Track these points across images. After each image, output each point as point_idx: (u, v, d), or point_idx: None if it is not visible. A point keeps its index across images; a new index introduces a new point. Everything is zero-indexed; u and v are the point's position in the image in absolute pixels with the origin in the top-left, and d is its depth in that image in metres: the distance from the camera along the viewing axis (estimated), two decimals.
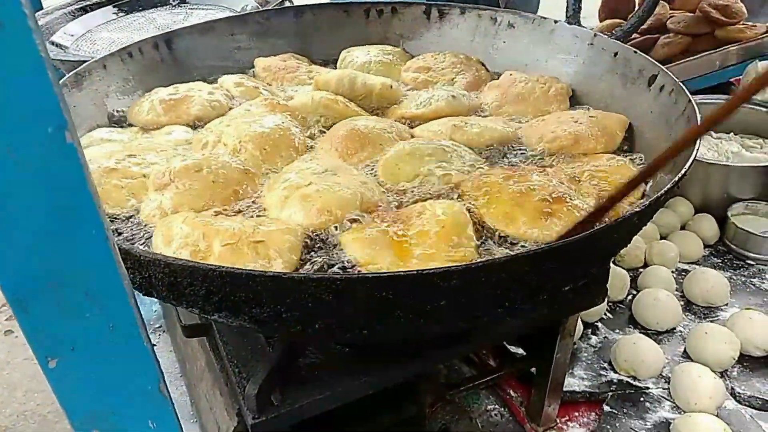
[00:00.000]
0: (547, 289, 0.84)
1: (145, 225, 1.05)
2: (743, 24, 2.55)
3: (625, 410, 1.45)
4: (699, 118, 1.04)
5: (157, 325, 1.91)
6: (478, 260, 0.71)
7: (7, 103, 0.36)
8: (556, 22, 1.55)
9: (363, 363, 1.05)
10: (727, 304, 1.71)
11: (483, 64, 1.65)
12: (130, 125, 1.44)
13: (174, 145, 1.29)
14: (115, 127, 1.42)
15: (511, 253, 0.86)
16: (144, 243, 1.02)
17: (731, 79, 2.56)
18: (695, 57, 2.45)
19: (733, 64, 2.50)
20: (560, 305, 1.12)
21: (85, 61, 1.42)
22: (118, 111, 1.44)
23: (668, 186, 0.86)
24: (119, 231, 1.04)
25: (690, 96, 1.12)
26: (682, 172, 0.89)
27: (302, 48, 1.76)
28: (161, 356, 1.79)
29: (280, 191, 1.08)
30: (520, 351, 1.50)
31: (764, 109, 2.15)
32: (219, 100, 1.48)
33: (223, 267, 0.72)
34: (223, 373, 1.20)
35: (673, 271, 1.80)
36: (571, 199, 1.00)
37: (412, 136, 1.35)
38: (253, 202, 1.11)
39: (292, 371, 1.04)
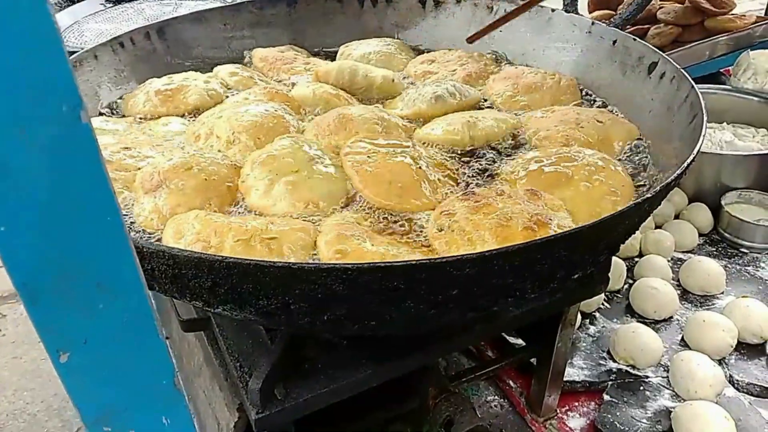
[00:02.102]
0: (558, 277, 0.83)
1: (143, 229, 1.02)
2: (733, 14, 2.56)
3: (625, 399, 1.45)
4: (703, 105, 1.03)
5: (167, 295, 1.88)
6: (493, 248, 0.69)
7: (20, 78, 0.33)
8: (553, 10, 1.54)
9: (367, 355, 1.04)
10: (723, 293, 1.72)
11: (497, 59, 1.62)
12: (124, 116, 1.41)
13: (170, 138, 1.27)
14: (110, 116, 1.39)
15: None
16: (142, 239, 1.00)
17: (721, 69, 2.57)
18: (685, 47, 2.45)
19: (723, 54, 2.51)
20: (565, 294, 1.11)
21: (73, 53, 1.39)
22: (111, 102, 1.41)
23: (678, 171, 0.85)
24: None
25: (693, 82, 1.11)
26: (690, 158, 0.88)
27: (296, 38, 1.74)
28: None
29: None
30: (519, 341, 1.50)
31: (756, 99, 2.15)
32: (215, 89, 1.46)
33: (230, 257, 0.70)
34: (223, 368, 1.18)
35: (668, 260, 1.80)
36: (549, 218, 0.94)
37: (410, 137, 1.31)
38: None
39: (295, 365, 1.03)
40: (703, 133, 0.95)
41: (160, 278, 0.78)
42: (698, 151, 0.91)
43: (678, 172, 0.84)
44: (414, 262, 0.69)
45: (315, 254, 0.94)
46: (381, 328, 0.84)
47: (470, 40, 1.24)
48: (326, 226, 0.97)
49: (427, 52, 1.72)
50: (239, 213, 1.07)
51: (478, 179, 1.15)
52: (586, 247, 0.81)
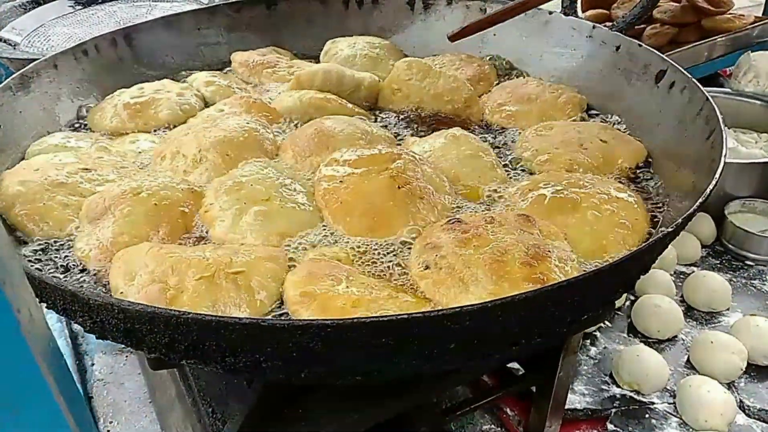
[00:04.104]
0: (567, 322, 0.73)
1: (82, 265, 0.92)
2: (731, 14, 2.48)
3: (630, 428, 1.36)
4: (721, 120, 0.94)
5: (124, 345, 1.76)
6: (495, 298, 0.60)
7: None
8: (550, 13, 1.44)
9: (353, 398, 0.94)
10: (729, 309, 1.63)
11: (492, 63, 1.53)
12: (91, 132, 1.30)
13: (136, 159, 1.16)
14: (73, 132, 1.28)
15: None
16: (85, 275, 0.89)
17: (719, 70, 2.50)
18: (683, 48, 2.37)
19: (720, 55, 2.43)
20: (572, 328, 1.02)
21: (32, 60, 1.27)
22: (74, 117, 1.29)
23: (701, 200, 0.76)
24: (54, 260, 0.91)
25: (707, 94, 1.02)
26: (714, 182, 0.79)
27: (276, 42, 1.64)
28: (129, 379, 1.65)
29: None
30: (516, 366, 1.41)
31: (758, 102, 2.07)
32: (189, 102, 1.35)
33: (189, 313, 0.60)
34: (195, 409, 1.08)
35: (671, 274, 1.71)
36: (548, 250, 0.85)
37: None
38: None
39: (274, 410, 0.92)
40: (724, 152, 0.86)
41: (111, 331, 0.68)
42: (721, 173, 0.81)
43: (701, 200, 0.75)
44: (406, 317, 0.59)
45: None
46: (368, 381, 0.74)
47: (453, 38, 1.15)
48: (303, 263, 0.87)
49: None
50: (195, 242, 0.97)
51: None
52: (602, 289, 0.71)
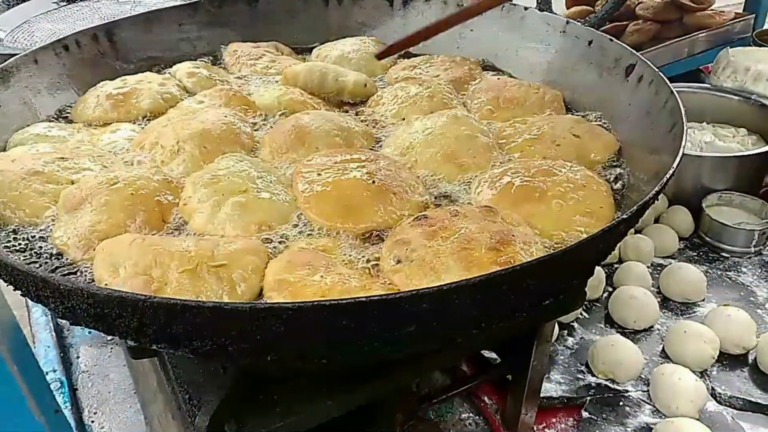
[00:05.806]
0: (526, 306, 0.76)
1: (59, 254, 0.93)
2: (712, 10, 2.52)
3: (604, 415, 1.39)
4: (683, 113, 0.97)
5: (110, 337, 1.78)
6: (451, 282, 0.62)
7: None
8: (526, 8, 1.46)
9: (328, 384, 0.96)
10: (704, 299, 1.67)
11: (481, 65, 1.54)
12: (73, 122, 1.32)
13: (114, 148, 1.18)
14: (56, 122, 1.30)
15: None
16: (63, 263, 0.91)
17: (700, 66, 2.53)
18: (664, 44, 2.40)
19: (701, 51, 2.47)
20: (538, 315, 1.04)
21: (13, 55, 1.29)
22: (55, 110, 1.31)
23: (655, 190, 0.78)
24: (34, 249, 0.93)
25: (672, 87, 1.04)
26: (670, 172, 0.82)
27: (256, 38, 1.65)
28: (114, 371, 1.68)
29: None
30: (494, 355, 1.43)
31: (735, 98, 2.10)
32: (171, 91, 1.37)
33: (155, 297, 0.62)
34: (174, 397, 1.10)
35: (648, 266, 1.75)
36: (513, 235, 0.88)
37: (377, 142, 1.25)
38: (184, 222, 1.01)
39: (249, 396, 0.95)
40: (683, 144, 0.89)
41: (83, 316, 0.70)
42: (678, 164, 0.84)
43: (655, 190, 0.78)
44: (363, 300, 0.62)
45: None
46: (334, 364, 0.76)
47: (379, 57, 1.21)
48: (287, 251, 0.89)
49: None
50: (174, 230, 0.99)
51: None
52: (558, 274, 0.74)
